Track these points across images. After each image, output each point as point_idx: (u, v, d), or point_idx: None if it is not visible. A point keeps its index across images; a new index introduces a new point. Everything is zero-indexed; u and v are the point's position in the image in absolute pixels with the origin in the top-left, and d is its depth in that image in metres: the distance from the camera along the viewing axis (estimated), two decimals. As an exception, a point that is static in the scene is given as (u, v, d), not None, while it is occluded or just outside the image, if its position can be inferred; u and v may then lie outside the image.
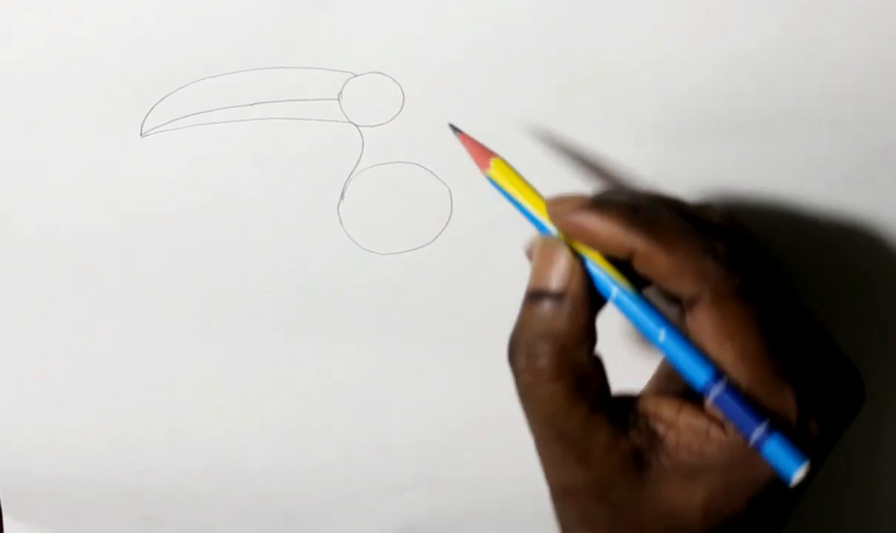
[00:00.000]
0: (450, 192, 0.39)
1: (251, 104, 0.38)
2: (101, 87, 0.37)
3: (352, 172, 0.39)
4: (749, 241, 0.34)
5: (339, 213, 0.40)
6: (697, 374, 0.31)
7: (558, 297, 0.32)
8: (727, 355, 0.31)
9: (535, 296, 0.32)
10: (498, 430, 0.45)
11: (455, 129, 0.36)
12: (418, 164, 0.39)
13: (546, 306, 0.32)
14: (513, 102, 0.37)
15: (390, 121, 0.38)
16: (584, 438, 0.32)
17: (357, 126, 0.38)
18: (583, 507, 0.34)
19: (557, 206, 0.32)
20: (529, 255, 0.35)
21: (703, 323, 0.31)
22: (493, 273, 0.41)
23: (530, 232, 0.38)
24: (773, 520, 0.34)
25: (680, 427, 0.33)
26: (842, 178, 0.38)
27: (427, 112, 0.37)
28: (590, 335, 0.32)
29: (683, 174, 0.39)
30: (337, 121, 0.38)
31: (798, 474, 0.30)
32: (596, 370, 0.32)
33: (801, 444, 0.31)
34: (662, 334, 0.32)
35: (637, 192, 0.34)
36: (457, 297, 0.41)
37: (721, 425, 0.32)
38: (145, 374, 0.44)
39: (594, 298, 0.32)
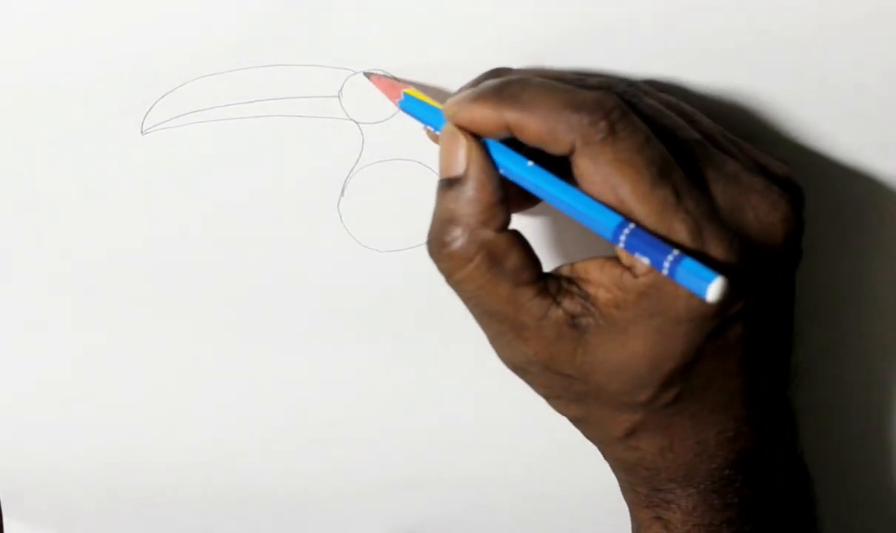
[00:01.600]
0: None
1: (251, 102, 0.38)
2: (101, 85, 0.37)
3: (352, 169, 0.39)
4: (635, 90, 0.35)
5: (339, 210, 0.40)
6: (603, 226, 0.32)
7: (460, 181, 0.33)
8: (609, 197, 0.32)
9: (441, 185, 0.34)
10: (498, 430, 0.45)
11: (367, 75, 0.37)
12: (418, 162, 0.39)
13: (451, 192, 0.33)
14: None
15: (390, 118, 0.38)
16: (514, 313, 0.33)
17: (357, 123, 0.38)
18: (538, 380, 0.35)
19: (448, 109, 0.34)
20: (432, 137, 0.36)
21: (582, 172, 0.32)
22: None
23: (534, 233, 0.39)
24: (743, 348, 0.34)
25: (604, 283, 0.33)
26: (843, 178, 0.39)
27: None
28: (497, 214, 0.33)
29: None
30: (337, 118, 0.38)
31: (713, 290, 0.30)
32: (511, 245, 0.33)
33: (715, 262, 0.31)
34: (566, 196, 0.32)
35: (518, 71, 0.36)
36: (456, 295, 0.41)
37: (630, 270, 0.32)
38: (145, 373, 0.44)
39: (501, 181, 0.33)
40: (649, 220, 0.32)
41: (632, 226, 0.31)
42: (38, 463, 0.47)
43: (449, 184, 0.33)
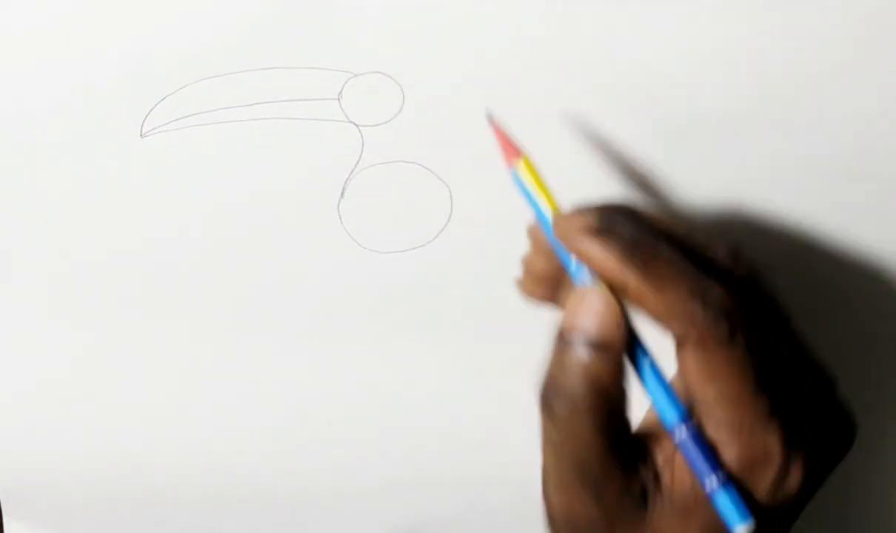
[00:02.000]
0: (450, 191, 0.40)
1: (251, 104, 0.38)
2: (101, 88, 0.37)
3: (352, 172, 0.39)
4: (752, 281, 0.34)
5: (339, 212, 0.40)
6: (668, 413, 0.32)
7: (604, 347, 0.32)
8: (709, 395, 0.32)
9: (575, 341, 0.32)
10: (498, 430, 0.45)
11: (489, 120, 0.36)
12: (418, 164, 0.39)
13: (592, 355, 0.32)
14: (513, 101, 0.37)
15: (390, 120, 0.38)
16: (601, 474, 0.33)
17: (357, 125, 0.38)
18: None
19: (564, 223, 0.33)
20: (531, 234, 0.35)
21: (688, 364, 0.32)
22: (493, 273, 0.41)
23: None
24: None
25: (676, 463, 0.33)
26: (842, 178, 0.39)
27: (427, 111, 0.38)
28: (623, 388, 0.33)
29: (683, 174, 0.39)
30: (337, 120, 0.38)
31: (740, 530, 0.31)
32: (623, 412, 0.33)
33: (757, 500, 0.32)
34: (647, 364, 0.33)
35: (643, 218, 0.34)
36: (457, 296, 0.42)
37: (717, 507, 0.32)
38: (145, 373, 0.44)
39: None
40: (745, 422, 0.32)
41: (690, 427, 0.32)
42: (38, 463, 0.47)
43: (583, 343, 0.32)
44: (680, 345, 0.32)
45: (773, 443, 0.32)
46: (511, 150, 0.35)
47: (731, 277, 0.34)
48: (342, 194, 0.40)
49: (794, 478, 0.32)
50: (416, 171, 0.39)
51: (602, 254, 0.32)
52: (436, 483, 0.47)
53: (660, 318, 0.32)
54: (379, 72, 0.37)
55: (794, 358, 0.34)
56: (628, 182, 0.39)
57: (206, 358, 0.44)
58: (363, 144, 0.39)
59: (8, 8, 0.36)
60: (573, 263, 0.33)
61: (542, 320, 0.40)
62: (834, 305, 0.42)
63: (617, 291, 0.32)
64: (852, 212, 0.40)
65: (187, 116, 0.38)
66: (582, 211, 0.34)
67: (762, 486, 0.32)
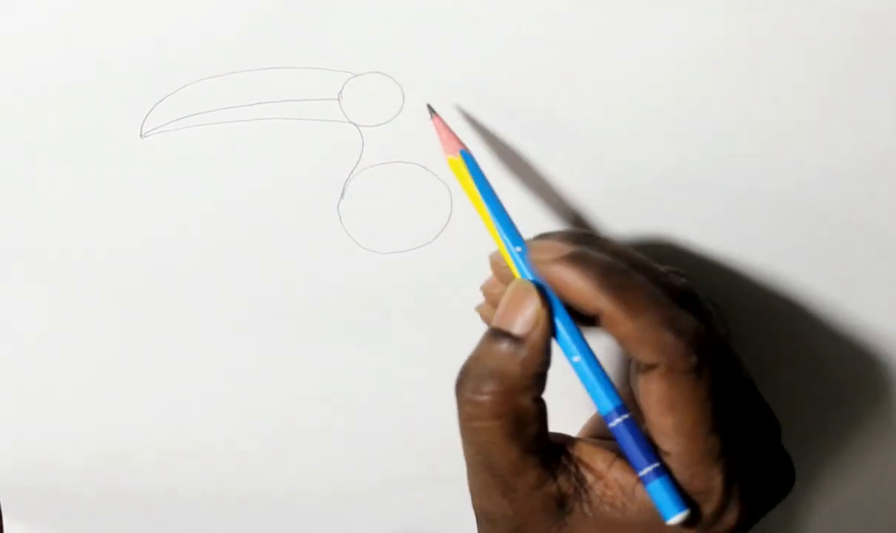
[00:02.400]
0: (450, 191, 0.39)
1: (251, 104, 0.38)
2: (100, 88, 0.37)
3: (352, 172, 0.39)
4: (707, 317, 0.35)
5: (339, 213, 0.40)
6: (604, 401, 0.33)
7: (517, 341, 0.33)
8: (666, 424, 0.32)
9: (496, 333, 0.33)
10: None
11: (431, 111, 0.37)
12: (418, 164, 0.39)
13: (504, 346, 0.33)
14: (513, 101, 0.37)
15: (390, 120, 0.38)
16: (512, 476, 0.33)
17: (357, 126, 0.38)
18: None
19: (539, 253, 0.34)
20: (493, 265, 0.36)
21: (652, 390, 0.32)
22: (493, 273, 0.41)
23: (534, 233, 0.39)
24: None
25: (608, 480, 0.34)
26: (841, 178, 0.39)
27: (427, 112, 0.37)
28: (538, 383, 0.33)
29: (679, 173, 0.39)
30: (337, 121, 0.38)
31: (675, 519, 0.32)
32: (537, 416, 0.33)
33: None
34: (577, 357, 0.33)
35: (615, 247, 0.35)
36: (457, 296, 0.41)
37: (642, 481, 0.33)
38: (145, 374, 0.44)
39: (551, 350, 0.33)
40: (693, 458, 0.32)
41: (628, 416, 0.33)
42: (38, 463, 0.47)
43: (503, 336, 0.33)
44: (646, 371, 0.32)
45: (716, 480, 0.33)
46: (451, 142, 0.36)
47: (697, 309, 0.34)
48: (342, 194, 0.40)
49: (731, 517, 0.33)
50: (416, 171, 0.39)
51: (578, 281, 0.32)
52: (436, 483, 0.47)
53: (631, 344, 0.32)
54: (379, 72, 0.37)
55: (744, 398, 0.35)
56: (622, 184, 0.39)
57: (205, 358, 0.44)
58: (363, 145, 0.39)
59: (8, 7, 0.36)
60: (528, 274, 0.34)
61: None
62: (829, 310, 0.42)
63: (588, 315, 0.33)
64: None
65: (187, 116, 0.38)
66: (556, 237, 0.35)
67: (700, 521, 0.33)
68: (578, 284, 0.32)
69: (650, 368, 0.32)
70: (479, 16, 0.36)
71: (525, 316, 0.33)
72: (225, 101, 0.37)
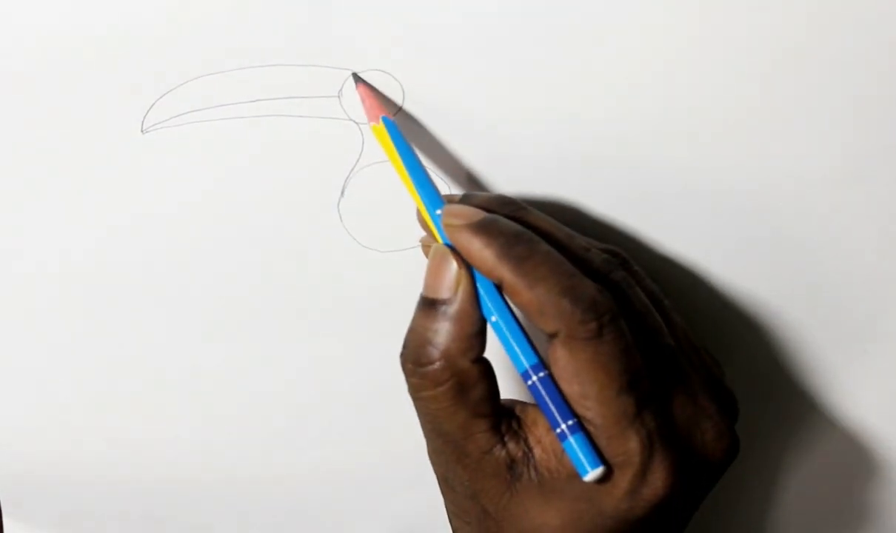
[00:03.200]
0: (450, 190, 0.40)
1: (251, 101, 0.38)
2: (101, 84, 0.37)
3: (352, 170, 0.39)
4: (629, 282, 0.35)
5: (339, 211, 0.40)
6: (520, 360, 0.33)
7: (445, 304, 0.34)
8: (574, 391, 0.33)
9: (425, 302, 0.34)
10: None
11: (357, 78, 0.37)
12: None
13: (434, 313, 0.34)
14: (513, 100, 0.37)
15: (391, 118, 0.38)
16: (463, 440, 0.34)
17: (357, 123, 0.38)
18: (458, 501, 0.36)
19: (450, 218, 0.34)
20: (423, 244, 0.37)
21: (557, 358, 0.33)
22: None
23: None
24: None
25: (545, 445, 0.34)
26: (841, 178, 0.39)
27: (427, 109, 0.38)
28: (476, 344, 0.34)
29: (679, 173, 0.39)
30: (337, 118, 0.38)
31: (590, 476, 0.32)
32: (480, 377, 0.34)
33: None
34: (495, 317, 0.33)
35: (535, 217, 0.36)
36: (457, 295, 0.41)
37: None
38: (145, 373, 0.44)
39: (480, 309, 0.34)
40: (606, 422, 0.32)
41: (544, 373, 0.33)
42: (38, 463, 0.47)
43: (432, 304, 0.34)
44: (550, 340, 0.33)
45: (633, 444, 0.33)
46: (375, 109, 0.36)
47: (607, 279, 0.35)
48: (342, 193, 0.40)
49: (657, 479, 0.33)
50: (416, 169, 0.39)
51: (480, 250, 0.33)
52: (435, 483, 0.47)
53: (532, 313, 0.33)
54: (379, 70, 0.37)
55: (681, 368, 0.35)
56: (615, 185, 0.39)
57: (205, 357, 0.44)
58: (363, 143, 0.39)
59: (9, 6, 0.36)
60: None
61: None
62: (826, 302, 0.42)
63: (494, 282, 0.33)
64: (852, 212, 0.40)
65: (188, 113, 0.38)
66: (469, 202, 0.35)
67: (618, 488, 0.33)
68: (482, 253, 0.33)
69: (552, 337, 0.33)
70: (480, 14, 0.36)
71: (447, 280, 0.34)
72: (226, 97, 0.38)
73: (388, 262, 0.41)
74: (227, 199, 0.40)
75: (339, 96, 0.38)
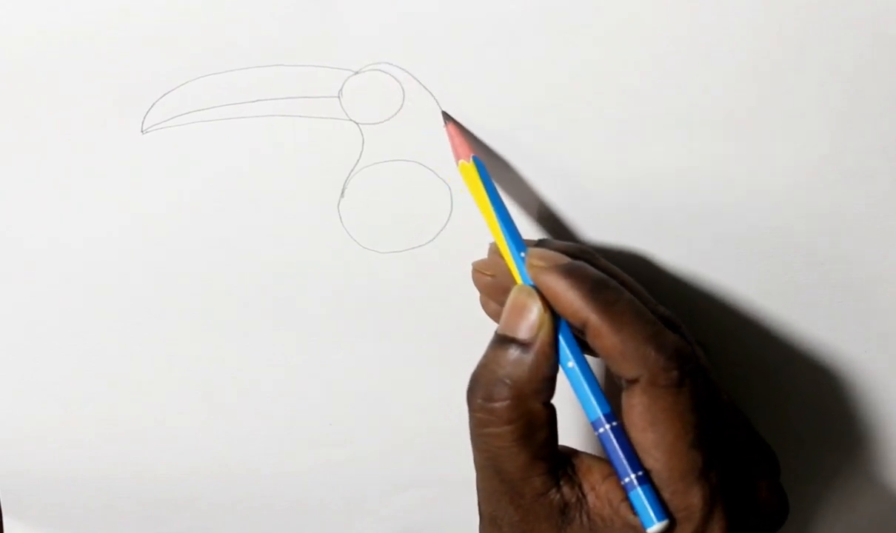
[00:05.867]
0: (450, 190, 0.40)
1: (252, 102, 0.38)
2: (101, 84, 0.37)
3: (352, 170, 0.39)
4: (688, 339, 0.36)
5: (339, 211, 0.40)
6: (593, 408, 0.33)
7: (524, 346, 0.34)
8: (648, 440, 0.33)
9: (502, 340, 0.34)
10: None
11: (447, 118, 0.37)
12: (419, 162, 0.39)
13: (510, 353, 0.34)
14: (513, 101, 0.37)
15: (390, 118, 0.38)
16: (520, 481, 0.34)
17: (357, 124, 0.38)
18: None
19: (536, 259, 0.35)
20: (477, 271, 0.37)
21: (634, 405, 0.33)
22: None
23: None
24: None
25: (599, 492, 0.34)
26: (842, 178, 0.39)
27: (427, 110, 0.38)
28: (548, 387, 0.34)
29: (680, 173, 0.39)
30: (337, 118, 0.38)
31: (654, 529, 0.32)
32: (547, 421, 0.34)
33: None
34: (571, 362, 0.34)
35: (609, 267, 0.37)
36: (456, 295, 0.41)
37: (628, 500, 0.33)
38: (145, 373, 0.44)
39: (558, 353, 0.34)
40: (673, 475, 0.33)
41: (616, 423, 0.33)
42: (38, 463, 0.47)
43: (510, 342, 0.34)
44: (629, 386, 0.33)
45: (696, 499, 0.33)
46: (463, 148, 0.37)
47: (680, 331, 0.35)
48: (342, 193, 0.40)
49: None
50: (416, 170, 0.39)
51: (568, 291, 0.33)
52: (435, 483, 0.47)
53: (615, 357, 0.33)
54: (379, 70, 0.37)
55: (730, 422, 0.36)
56: (620, 186, 0.39)
57: (205, 357, 0.44)
58: (363, 143, 0.39)
59: (9, 6, 0.36)
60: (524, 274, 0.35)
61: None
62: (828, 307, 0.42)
63: (578, 326, 0.34)
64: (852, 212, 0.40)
65: (188, 113, 0.38)
66: (555, 247, 0.36)
67: None
68: (568, 295, 0.33)
69: (632, 382, 0.33)
70: (480, 14, 0.36)
71: (529, 321, 0.34)
72: (225, 98, 0.38)
73: (388, 263, 0.41)
74: (227, 200, 0.40)
75: (339, 97, 0.38)
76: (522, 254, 0.35)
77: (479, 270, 0.38)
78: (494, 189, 0.37)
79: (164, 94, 0.37)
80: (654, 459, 0.33)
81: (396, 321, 0.43)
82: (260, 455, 0.46)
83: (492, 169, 0.38)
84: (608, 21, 0.36)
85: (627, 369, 0.33)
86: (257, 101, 0.38)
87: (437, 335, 0.43)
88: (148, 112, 0.38)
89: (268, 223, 0.40)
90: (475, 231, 0.40)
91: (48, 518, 0.49)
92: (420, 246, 0.41)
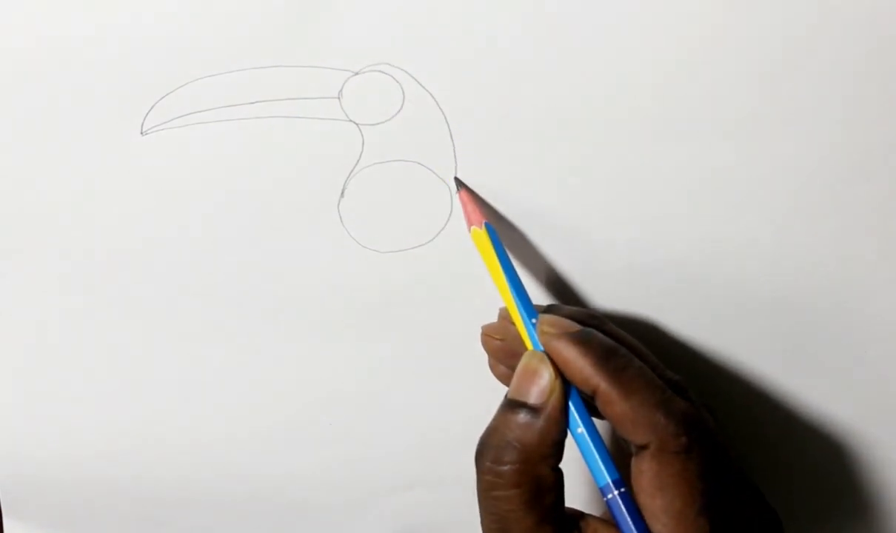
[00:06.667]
0: (450, 190, 0.40)
1: (251, 103, 0.38)
2: (101, 86, 0.37)
3: (352, 171, 0.39)
4: (697, 404, 0.36)
5: (339, 211, 0.40)
6: (601, 474, 0.34)
7: (534, 411, 0.34)
8: (656, 505, 0.33)
9: (512, 404, 0.35)
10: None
11: (458, 183, 0.38)
12: (418, 163, 0.39)
13: (521, 417, 0.34)
14: (513, 101, 0.37)
15: (390, 119, 0.38)
16: None
17: (357, 124, 0.38)
18: None
19: (547, 326, 0.35)
20: (487, 335, 0.38)
21: (643, 470, 0.33)
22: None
23: (535, 233, 0.39)
24: None
25: None
26: (842, 178, 0.39)
27: (427, 110, 0.38)
28: (556, 452, 0.34)
29: (680, 173, 0.39)
30: (337, 119, 0.38)
31: None
32: (555, 484, 0.34)
33: None
34: (581, 429, 0.34)
35: (618, 333, 0.37)
36: (456, 295, 0.42)
37: None
38: (145, 374, 0.44)
39: (567, 419, 0.35)
40: None
41: (624, 489, 0.34)
42: (38, 463, 0.47)
43: (520, 407, 0.34)
44: (638, 452, 0.34)
45: None
46: (476, 214, 0.38)
47: (687, 395, 0.36)
48: (342, 194, 0.40)
49: None
50: (416, 170, 0.39)
51: (577, 359, 0.34)
52: (436, 483, 0.47)
53: (624, 423, 0.33)
54: (379, 70, 0.37)
55: (736, 487, 0.36)
56: (620, 182, 0.39)
57: (205, 357, 0.44)
58: (363, 144, 0.39)
59: (9, 8, 0.36)
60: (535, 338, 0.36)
61: (542, 319, 0.40)
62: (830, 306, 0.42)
63: (587, 392, 0.34)
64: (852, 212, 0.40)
65: (187, 114, 0.38)
66: (559, 313, 0.37)
67: None
68: (579, 362, 0.34)
69: (642, 448, 0.33)
70: (480, 15, 0.36)
71: (540, 386, 0.34)
72: (225, 99, 0.38)
73: (388, 263, 0.41)
74: (227, 201, 0.40)
75: (339, 98, 0.38)
76: (533, 320, 0.36)
77: (488, 335, 0.39)
78: (506, 255, 0.37)
79: (164, 96, 0.37)
80: (662, 524, 0.33)
81: (396, 321, 0.43)
82: (260, 455, 0.46)
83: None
84: (608, 21, 0.36)
85: (637, 435, 0.33)
86: (257, 102, 0.38)
87: (436, 335, 0.43)
88: (148, 114, 0.38)
89: (268, 224, 0.40)
90: (475, 231, 0.40)
91: (48, 518, 0.49)
92: (420, 246, 0.41)
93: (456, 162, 0.39)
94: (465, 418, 0.45)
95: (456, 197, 0.40)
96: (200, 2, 0.36)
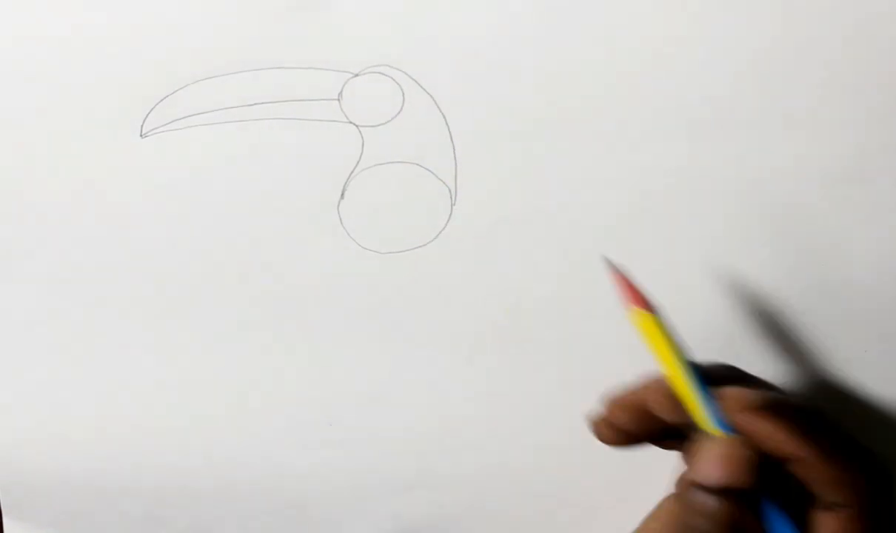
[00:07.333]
0: (450, 191, 0.40)
1: (251, 104, 0.38)
2: (101, 88, 0.37)
3: (352, 172, 0.39)
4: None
5: (339, 213, 0.40)
6: None
7: (739, 491, 0.33)
8: None
9: (722, 492, 0.33)
10: (498, 429, 0.45)
11: (612, 268, 0.36)
12: (418, 164, 0.39)
13: (733, 501, 0.33)
14: (513, 101, 0.37)
15: (390, 121, 0.38)
16: None
17: (357, 126, 0.38)
18: None
19: (736, 402, 0.34)
20: (595, 426, 0.36)
21: (833, 528, 0.33)
22: (493, 273, 0.41)
23: (534, 234, 0.39)
24: None
25: None
26: (841, 178, 0.39)
27: (427, 112, 0.38)
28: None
29: (679, 173, 0.39)
30: (337, 121, 0.38)
31: None
32: None
33: None
34: (777, 513, 0.33)
35: (762, 381, 0.36)
36: (456, 296, 0.41)
37: None
38: (145, 374, 0.44)
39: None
40: None
41: None
42: (38, 463, 0.47)
43: (726, 493, 0.33)
44: (832, 508, 0.33)
45: None
46: (639, 301, 0.35)
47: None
48: (342, 195, 0.40)
49: None
50: (415, 171, 0.39)
51: (776, 431, 0.33)
52: (436, 483, 0.47)
53: (826, 486, 0.33)
54: (379, 72, 0.37)
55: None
56: (632, 185, 0.39)
57: (205, 358, 0.44)
58: (363, 145, 0.39)
59: (9, 9, 0.36)
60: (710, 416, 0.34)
61: (542, 320, 0.40)
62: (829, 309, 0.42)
63: (778, 459, 0.33)
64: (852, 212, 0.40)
65: (187, 117, 0.38)
66: (740, 386, 0.35)
67: None
68: (777, 435, 0.33)
69: (839, 507, 0.33)
70: (480, 16, 0.36)
71: (743, 466, 0.33)
72: (225, 101, 0.38)
73: (388, 263, 0.41)
74: (227, 203, 0.40)
75: (339, 99, 0.38)
76: (714, 400, 0.34)
77: (592, 422, 0.37)
78: (678, 339, 0.35)
79: (164, 98, 0.37)
80: None
81: (396, 322, 0.43)
82: (260, 455, 0.46)
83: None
84: (608, 21, 0.36)
85: (840, 497, 0.33)
86: (257, 104, 0.38)
87: (436, 335, 0.43)
88: (147, 116, 0.38)
89: (268, 225, 0.40)
90: (475, 232, 0.40)
91: (48, 518, 0.49)
92: (420, 246, 0.41)
93: (456, 163, 0.39)
94: (464, 418, 0.45)
95: (456, 198, 0.39)
96: (200, 4, 0.36)
